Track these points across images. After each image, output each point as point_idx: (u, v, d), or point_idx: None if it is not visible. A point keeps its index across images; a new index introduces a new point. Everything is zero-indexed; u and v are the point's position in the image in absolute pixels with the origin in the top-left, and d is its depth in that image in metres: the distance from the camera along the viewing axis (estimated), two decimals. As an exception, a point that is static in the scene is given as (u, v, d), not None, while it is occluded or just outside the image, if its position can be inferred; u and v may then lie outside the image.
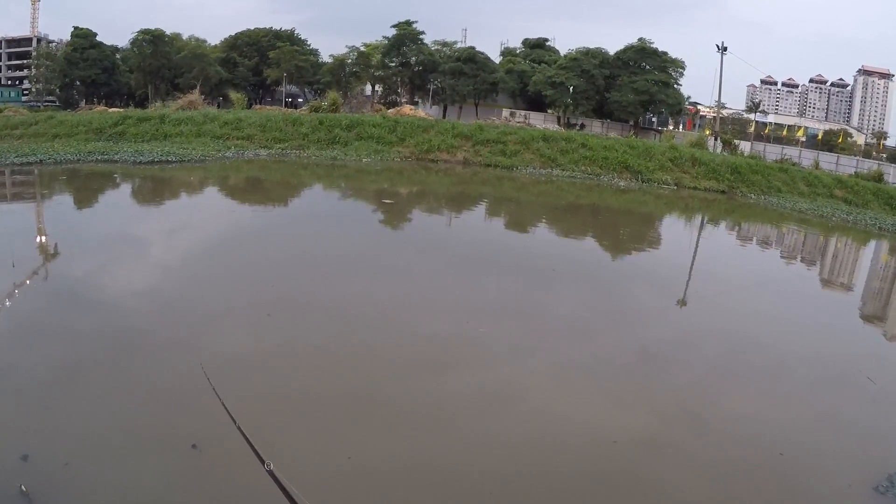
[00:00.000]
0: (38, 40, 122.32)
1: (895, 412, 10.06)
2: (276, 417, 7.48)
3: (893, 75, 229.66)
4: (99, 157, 28.91)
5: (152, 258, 14.14)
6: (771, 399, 9.74)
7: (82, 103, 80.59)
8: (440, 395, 8.58)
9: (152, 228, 17.30)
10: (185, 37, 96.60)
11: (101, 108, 53.73)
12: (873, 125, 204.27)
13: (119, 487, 5.98)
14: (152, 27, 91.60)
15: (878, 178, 49.71)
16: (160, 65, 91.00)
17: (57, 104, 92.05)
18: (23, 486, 5.61)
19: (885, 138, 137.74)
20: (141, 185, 25.06)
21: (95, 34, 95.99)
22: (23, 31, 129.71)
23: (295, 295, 12.22)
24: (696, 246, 23.80)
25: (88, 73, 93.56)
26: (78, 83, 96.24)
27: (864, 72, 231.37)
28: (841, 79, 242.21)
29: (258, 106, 64.42)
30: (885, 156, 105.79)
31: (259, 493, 5.99)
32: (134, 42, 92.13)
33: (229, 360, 8.87)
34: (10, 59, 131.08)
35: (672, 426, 8.40)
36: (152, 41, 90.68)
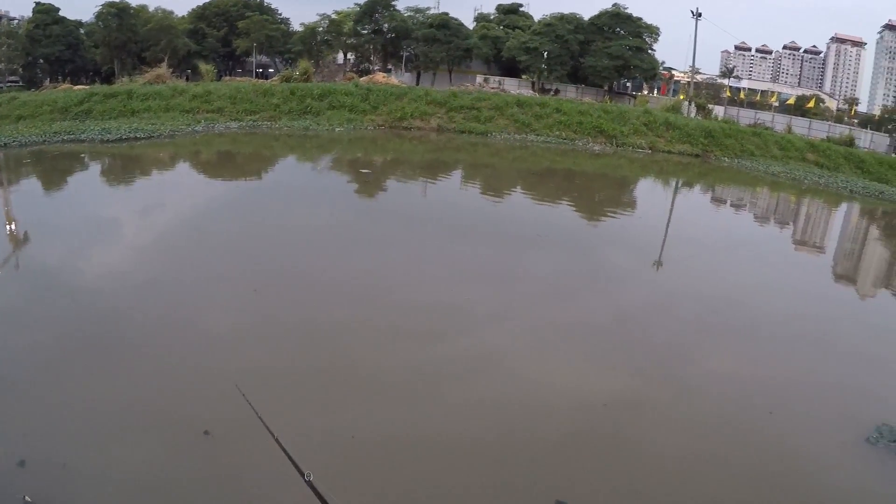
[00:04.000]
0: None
1: (872, 367, 10.16)
2: (268, 391, 7.37)
3: (866, 43, 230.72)
4: (65, 138, 28.13)
5: (128, 239, 13.92)
6: (753, 359, 9.83)
7: (46, 82, 78.91)
8: (426, 363, 8.58)
9: (125, 208, 16.99)
10: (151, 9, 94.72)
11: (66, 86, 52.62)
12: (845, 91, 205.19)
13: (125, 476, 5.90)
14: (117, 0, 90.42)
15: (850, 142, 50.25)
16: (126, 39, 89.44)
17: (20, 84, 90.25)
18: (26, 497, 5.41)
19: (856, 104, 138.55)
20: (111, 164, 24.64)
21: (58, 9, 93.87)
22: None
23: (279, 269, 12.07)
24: (672, 209, 23.83)
25: (52, 50, 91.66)
26: (41, 61, 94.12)
27: (838, 39, 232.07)
28: (814, 46, 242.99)
29: (228, 78, 63.84)
30: (856, 121, 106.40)
31: (272, 480, 5.94)
32: (99, 16, 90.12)
33: (219, 339, 8.84)
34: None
35: (658, 387, 8.48)
36: (117, 14, 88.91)
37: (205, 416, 6.70)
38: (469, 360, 8.62)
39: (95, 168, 23.93)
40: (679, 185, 31.14)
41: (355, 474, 6.14)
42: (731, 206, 27.01)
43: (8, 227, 14.73)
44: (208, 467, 6.08)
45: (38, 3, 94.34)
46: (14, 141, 26.53)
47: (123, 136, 28.68)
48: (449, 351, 8.86)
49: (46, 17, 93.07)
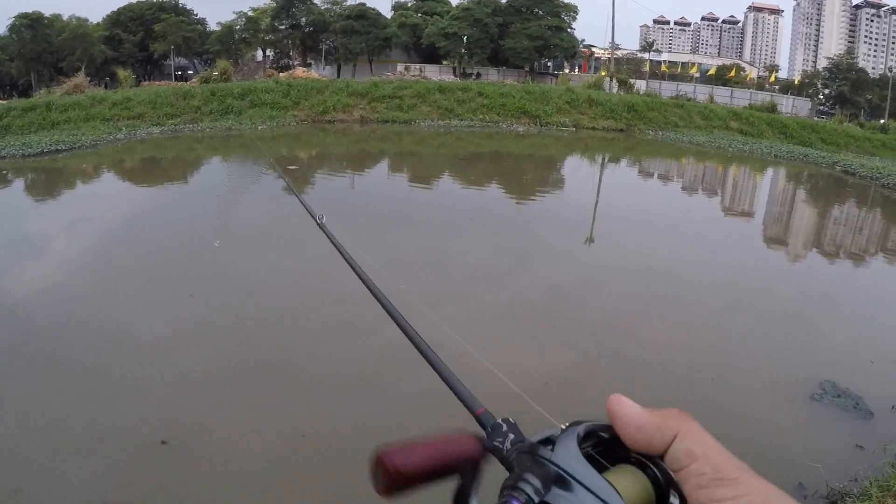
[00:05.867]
0: None
1: (809, 327, 10.35)
2: (212, 395, 7.30)
3: (783, 11, 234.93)
4: (-16, 155, 27.74)
5: (57, 253, 13.56)
6: (690, 328, 9.90)
7: (-39, 100, 77.75)
8: (365, 356, 8.39)
9: (52, 223, 16.57)
10: (65, 17, 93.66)
11: (-18, 102, 51.83)
12: (765, 59, 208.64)
13: (89, 493, 5.69)
14: (30, 10, 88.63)
15: (772, 108, 51.05)
16: (41, 49, 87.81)
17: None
18: None
19: (776, 71, 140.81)
20: (34, 178, 24.13)
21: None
22: None
23: (211, 272, 11.90)
24: (599, 185, 24.02)
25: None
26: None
27: (755, 8, 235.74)
28: (732, 16, 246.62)
29: (147, 82, 62.91)
30: (777, 87, 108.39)
31: (239, 485, 5.85)
32: (11, 28, 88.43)
33: (160, 346, 8.58)
34: None
35: (598, 362, 8.45)
36: (31, 25, 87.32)
37: (157, 426, 6.54)
38: (407, 351, 8.59)
39: (18, 184, 23.45)
40: (605, 160, 31.39)
41: (310, 472, 6.10)
42: (658, 178, 27.32)
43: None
44: (172, 477, 5.95)
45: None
46: (-71, 163, 25.94)
47: (45, 150, 28.12)
48: (386, 342, 8.85)
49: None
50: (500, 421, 0.97)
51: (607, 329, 9.63)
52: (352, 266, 1.98)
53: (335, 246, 1.99)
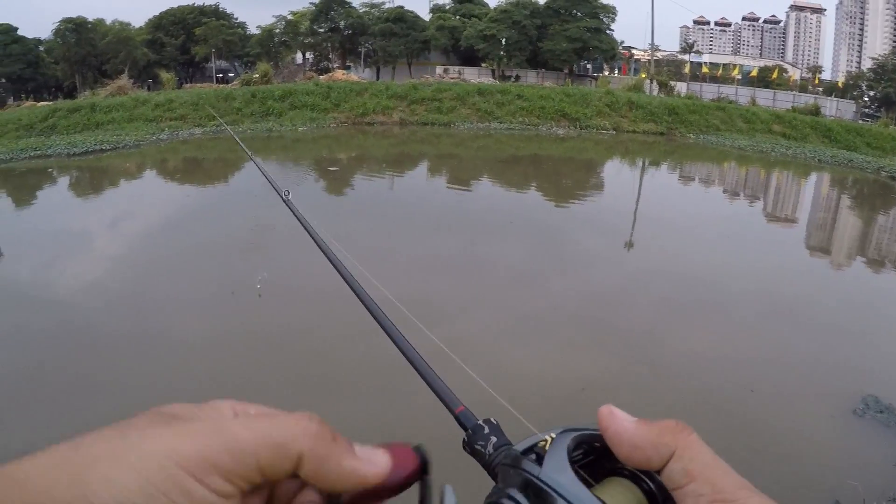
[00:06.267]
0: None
1: (853, 339, 10.11)
2: (249, 394, 7.28)
3: (825, 9, 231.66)
4: (32, 154, 27.98)
5: (100, 251, 13.79)
6: (730, 337, 9.74)
7: (10, 100, 78.56)
8: (397, 359, 8.40)
9: (95, 220, 16.84)
10: (108, 22, 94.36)
11: (30, 103, 52.52)
12: (808, 60, 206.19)
13: None
14: (74, 15, 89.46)
15: (815, 111, 50.21)
16: (86, 53, 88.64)
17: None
18: None
19: (819, 72, 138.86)
20: (79, 177, 24.49)
21: (16, 28, 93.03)
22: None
23: (253, 270, 12.00)
24: (640, 189, 23.89)
25: (12, 69, 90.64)
26: (3, 80, 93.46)
27: (796, 7, 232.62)
28: (773, 15, 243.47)
29: (189, 84, 63.42)
30: (821, 89, 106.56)
31: None
32: (57, 32, 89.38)
33: (202, 346, 8.72)
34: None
35: (635, 369, 8.35)
36: (75, 30, 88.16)
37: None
38: (441, 354, 8.58)
39: (64, 182, 23.78)
40: (645, 164, 31.17)
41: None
42: (700, 182, 27.05)
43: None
44: None
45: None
46: (-20, 161, 26.42)
47: (90, 149, 28.53)
48: (420, 345, 8.82)
49: (5, 36, 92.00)
50: (481, 422, 0.94)
51: (645, 335, 9.55)
52: (317, 242, 1.96)
53: (300, 221, 1.97)
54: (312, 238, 2.03)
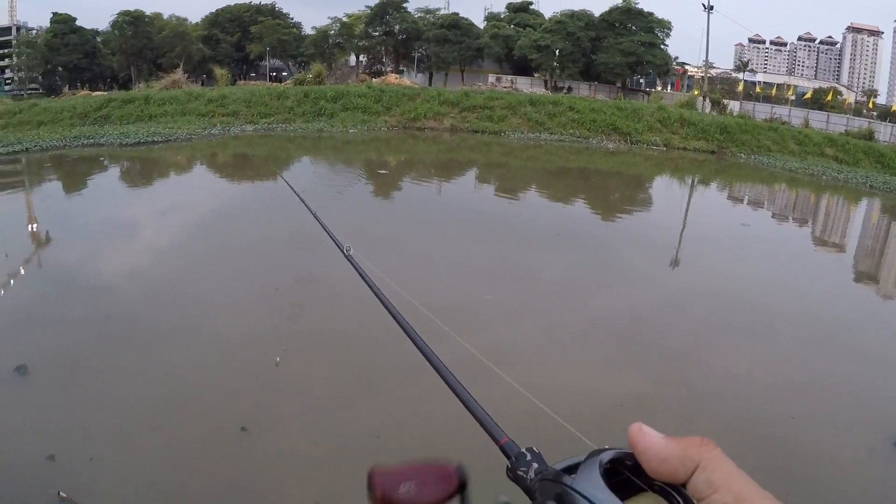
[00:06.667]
0: (18, 28, 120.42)
1: (894, 370, 9.95)
2: (293, 393, 7.46)
3: (882, 32, 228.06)
4: (85, 142, 28.64)
5: (146, 240, 14.00)
6: (772, 361, 9.61)
7: (65, 89, 79.60)
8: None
9: (144, 211, 17.10)
10: (165, 16, 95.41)
11: (85, 92, 53.26)
12: (863, 83, 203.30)
13: (158, 470, 5.92)
14: (132, 8, 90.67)
15: (869, 136, 49.47)
16: (142, 46, 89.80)
17: (40, 91, 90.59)
18: (61, 493, 5.40)
19: (875, 96, 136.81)
20: (129, 167, 24.93)
21: (75, 19, 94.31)
22: (1, 21, 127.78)
23: (297, 268, 12.07)
24: (687, 207, 23.74)
25: (70, 58, 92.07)
26: (60, 69, 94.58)
27: (853, 29, 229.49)
28: (830, 36, 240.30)
29: (242, 81, 64.04)
30: (875, 114, 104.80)
31: (309, 475, 6.01)
32: (114, 24, 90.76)
33: (244, 337, 8.87)
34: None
35: (675, 388, 8.33)
36: (132, 22, 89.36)
37: (239, 413, 6.78)
38: (480, 362, 8.55)
39: (114, 171, 24.16)
40: (695, 182, 31.01)
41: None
42: (748, 204, 26.83)
43: (30, 227, 14.98)
44: (245, 463, 6.09)
45: (55, 14, 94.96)
46: (35, 146, 26.97)
47: (141, 140, 29.02)
48: (459, 351, 8.80)
49: (64, 26, 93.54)
50: (524, 450, 1.02)
51: (686, 356, 9.50)
52: (380, 299, 1.99)
53: (362, 277, 1.99)
54: (375, 294, 2.07)
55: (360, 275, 1.98)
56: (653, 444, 0.76)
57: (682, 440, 0.76)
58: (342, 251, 2.46)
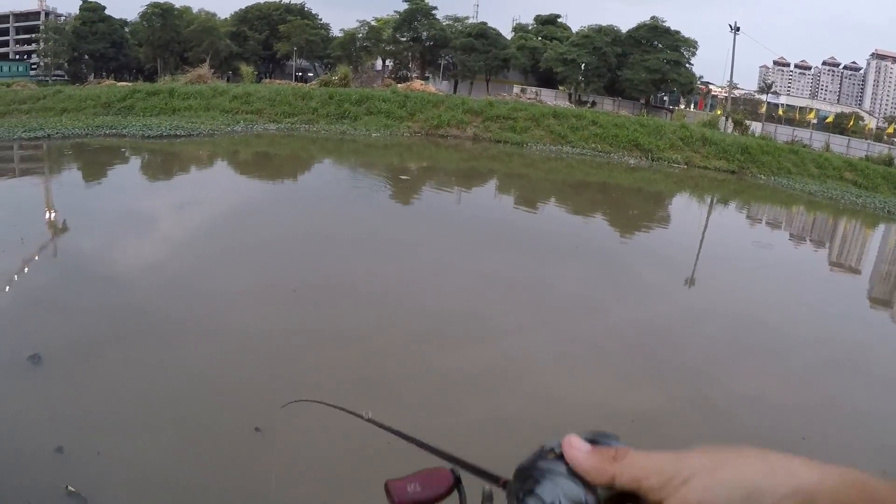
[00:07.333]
0: (47, 14, 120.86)
1: None
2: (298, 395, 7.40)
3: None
4: (107, 132, 28.89)
5: (163, 233, 14.12)
6: (785, 382, 9.66)
7: (91, 77, 79.87)
8: (451, 372, 8.50)
9: (162, 204, 17.22)
10: (194, 10, 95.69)
11: (110, 82, 53.52)
12: (885, 109, 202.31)
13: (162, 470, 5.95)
14: (161, 0, 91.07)
15: (889, 161, 49.17)
16: (169, 38, 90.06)
17: (65, 78, 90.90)
18: (69, 487, 5.42)
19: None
20: (150, 159, 25.08)
21: (104, 7, 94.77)
22: (31, 5, 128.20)
23: (314, 269, 12.16)
24: (705, 226, 23.73)
25: (97, 46, 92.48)
26: (86, 57, 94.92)
27: (878, 55, 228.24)
28: (854, 62, 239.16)
29: (268, 80, 64.22)
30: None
31: (324, 474, 6.11)
32: (143, 15, 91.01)
33: (257, 338, 8.92)
34: (18, 34, 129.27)
35: (687, 406, 8.39)
36: (161, 15, 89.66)
37: (253, 414, 6.78)
38: (494, 371, 8.62)
39: (135, 162, 24.33)
40: (714, 201, 30.98)
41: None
42: (767, 224, 26.82)
43: (48, 214, 15.12)
44: (255, 462, 6.07)
45: (85, 1, 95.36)
46: (57, 133, 27.19)
47: (164, 133, 29.20)
48: (474, 360, 8.86)
49: (93, 14, 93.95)
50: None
51: (698, 373, 9.53)
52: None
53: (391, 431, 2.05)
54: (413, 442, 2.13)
55: (388, 430, 2.04)
56: (576, 457, 0.86)
57: (601, 451, 0.86)
58: (362, 418, 2.53)
